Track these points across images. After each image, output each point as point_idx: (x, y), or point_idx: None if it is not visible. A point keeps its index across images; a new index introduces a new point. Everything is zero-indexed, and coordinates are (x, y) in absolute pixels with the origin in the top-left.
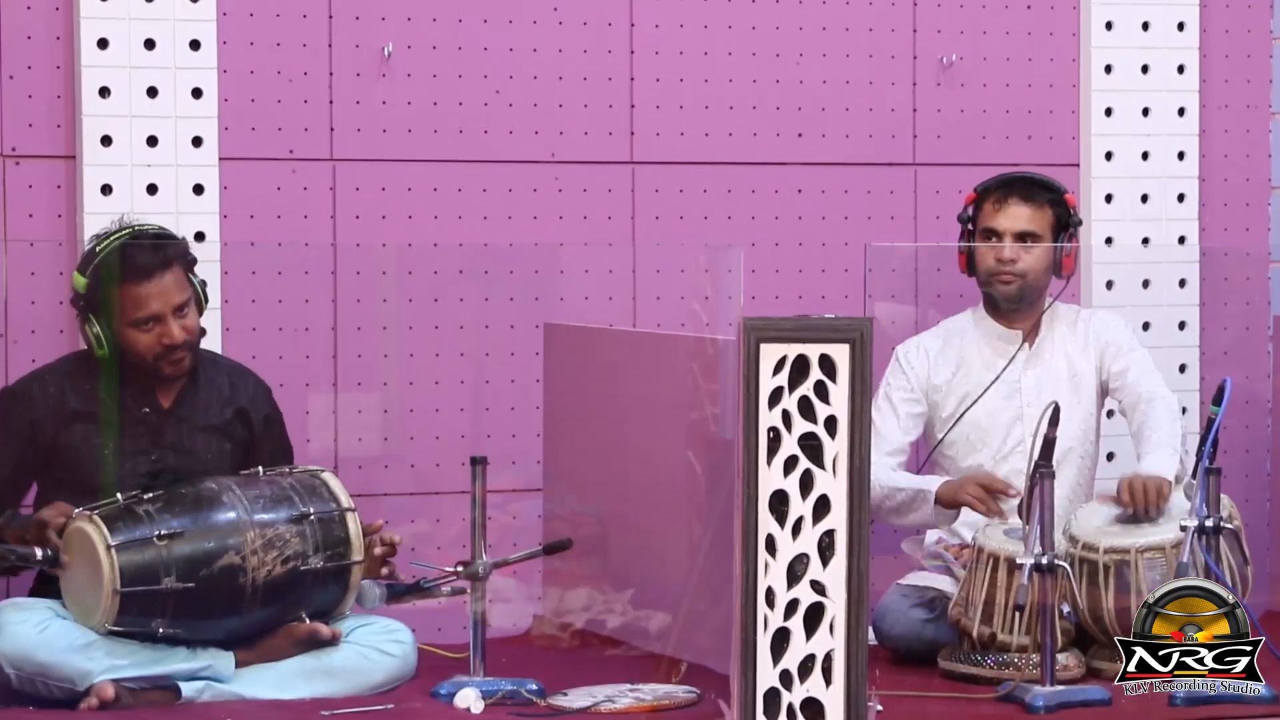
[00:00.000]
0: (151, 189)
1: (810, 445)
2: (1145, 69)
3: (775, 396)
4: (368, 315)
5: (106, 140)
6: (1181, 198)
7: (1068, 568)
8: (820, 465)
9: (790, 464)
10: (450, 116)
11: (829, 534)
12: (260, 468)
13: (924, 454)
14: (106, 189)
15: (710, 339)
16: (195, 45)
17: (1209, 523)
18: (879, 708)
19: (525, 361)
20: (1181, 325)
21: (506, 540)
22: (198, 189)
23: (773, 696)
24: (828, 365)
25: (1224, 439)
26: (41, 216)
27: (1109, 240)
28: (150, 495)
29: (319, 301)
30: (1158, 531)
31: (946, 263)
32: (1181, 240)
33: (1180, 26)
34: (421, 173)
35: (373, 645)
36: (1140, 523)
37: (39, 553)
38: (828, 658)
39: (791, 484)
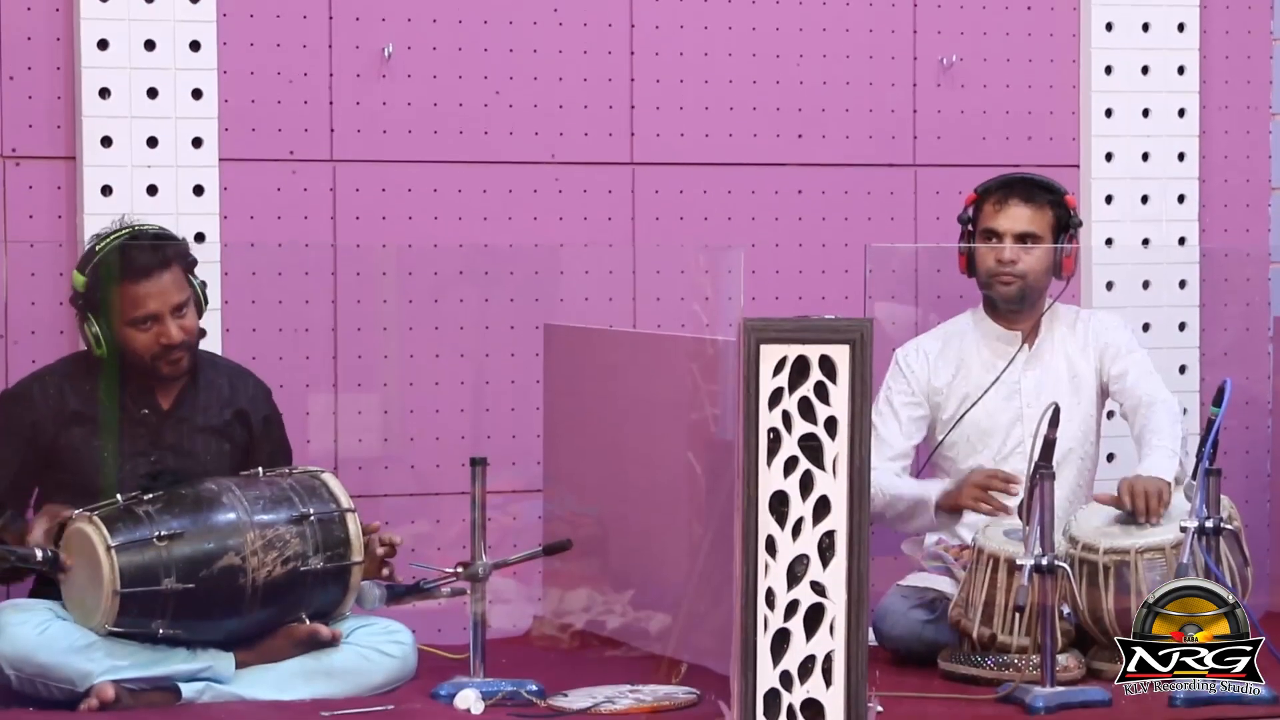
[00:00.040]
0: (151, 190)
1: (810, 446)
2: (1145, 70)
3: (775, 397)
4: (368, 316)
5: (106, 141)
6: (1181, 199)
7: (1068, 569)
8: (820, 466)
9: (790, 465)
10: (450, 117)
11: (829, 535)
12: (260, 469)
13: (924, 457)
14: (106, 190)
15: (710, 340)
16: (195, 46)
17: (1209, 523)
18: (879, 709)
19: (525, 362)
20: (1181, 326)
21: (506, 541)
22: (198, 190)
23: (773, 697)
24: (828, 366)
25: (1224, 440)
26: (41, 217)
27: (1109, 241)
28: (150, 496)
29: (319, 302)
30: (1157, 532)
31: (946, 264)
32: (1181, 241)
33: (1180, 27)
34: (421, 174)
35: (373, 646)
36: (1140, 524)
37: (39, 554)
38: (828, 659)
39: (792, 485)
